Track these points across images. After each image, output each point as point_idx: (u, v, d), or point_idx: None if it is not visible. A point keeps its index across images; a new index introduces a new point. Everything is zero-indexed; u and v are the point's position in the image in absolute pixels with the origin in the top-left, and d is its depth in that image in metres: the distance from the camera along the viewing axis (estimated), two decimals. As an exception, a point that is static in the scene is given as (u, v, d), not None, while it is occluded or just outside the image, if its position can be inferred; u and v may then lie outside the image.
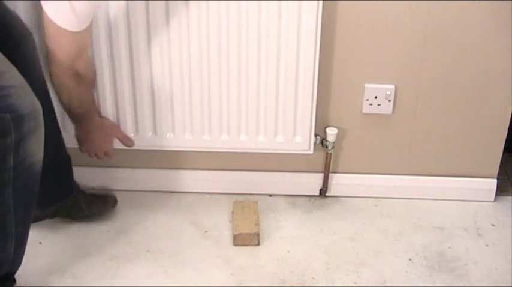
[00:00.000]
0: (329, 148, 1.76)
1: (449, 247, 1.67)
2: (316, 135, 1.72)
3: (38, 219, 1.67)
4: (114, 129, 1.68)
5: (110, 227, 1.72)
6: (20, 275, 1.55)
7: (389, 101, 1.70)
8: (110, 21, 1.55)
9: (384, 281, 1.55)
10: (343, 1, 1.58)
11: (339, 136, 1.75)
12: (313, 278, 1.56)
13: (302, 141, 1.70)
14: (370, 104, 1.71)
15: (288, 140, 1.69)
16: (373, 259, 1.62)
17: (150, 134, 1.70)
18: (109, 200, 1.76)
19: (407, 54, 1.65)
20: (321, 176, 1.83)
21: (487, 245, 1.68)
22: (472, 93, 1.69)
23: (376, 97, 1.70)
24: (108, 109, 1.66)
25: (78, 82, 1.48)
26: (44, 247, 1.65)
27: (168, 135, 1.70)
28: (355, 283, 1.55)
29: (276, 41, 1.56)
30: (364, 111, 1.73)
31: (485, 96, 1.70)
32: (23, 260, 1.49)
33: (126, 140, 1.70)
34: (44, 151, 1.37)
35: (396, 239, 1.69)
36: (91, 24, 1.40)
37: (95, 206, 1.72)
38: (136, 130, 1.70)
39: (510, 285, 1.55)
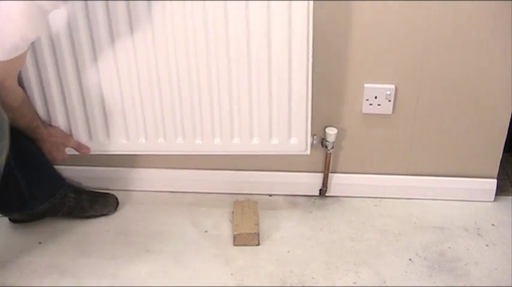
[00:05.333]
0: (329, 148, 1.76)
1: (449, 247, 1.67)
2: (313, 135, 1.68)
3: (37, 217, 1.68)
4: (65, 138, 1.63)
5: (110, 227, 1.72)
6: (20, 275, 1.55)
7: (390, 101, 1.70)
8: (51, 32, 1.50)
9: (384, 281, 1.55)
10: (343, 1, 1.58)
11: (339, 136, 1.75)
12: (313, 278, 1.56)
13: (298, 143, 1.64)
14: (370, 104, 1.71)
15: (283, 141, 1.64)
16: (373, 259, 1.62)
17: (141, 139, 1.66)
18: (111, 201, 1.76)
19: (407, 54, 1.65)
20: (320, 176, 1.83)
21: (487, 245, 1.68)
22: (472, 93, 1.69)
23: (376, 97, 1.70)
24: (60, 120, 1.63)
25: (4, 107, 1.42)
26: (44, 247, 1.65)
27: (159, 140, 1.65)
28: (355, 283, 1.55)
29: (266, 40, 1.51)
30: (364, 111, 1.73)
31: (485, 96, 1.69)
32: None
33: (81, 148, 1.66)
34: (23, 152, 1.40)
35: (396, 239, 1.69)
36: (21, 57, 1.32)
37: (98, 205, 1.73)
38: (143, 135, 1.66)
39: (510, 285, 1.55)
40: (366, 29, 1.62)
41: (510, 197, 1.87)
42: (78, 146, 1.66)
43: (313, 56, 1.55)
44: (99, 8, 1.47)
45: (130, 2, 1.45)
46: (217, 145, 1.65)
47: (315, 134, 1.71)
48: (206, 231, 1.72)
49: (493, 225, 1.76)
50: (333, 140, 1.74)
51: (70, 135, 1.64)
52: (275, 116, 1.60)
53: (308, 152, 1.67)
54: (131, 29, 1.49)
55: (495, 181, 1.83)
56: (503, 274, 1.58)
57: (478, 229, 1.74)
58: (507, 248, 1.66)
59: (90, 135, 1.66)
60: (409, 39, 1.63)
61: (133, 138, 1.65)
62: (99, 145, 1.67)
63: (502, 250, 1.66)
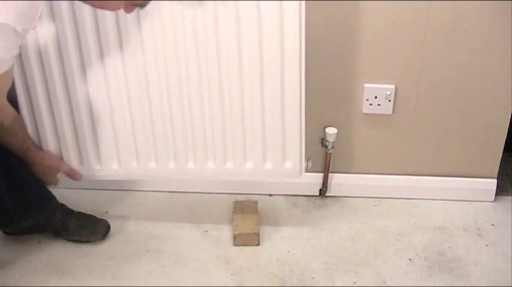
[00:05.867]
0: (329, 148, 1.76)
1: (449, 247, 1.67)
2: (308, 159, 1.62)
3: (23, 232, 1.66)
4: (57, 163, 1.60)
5: (110, 228, 1.72)
6: (20, 275, 1.55)
7: (390, 101, 1.70)
8: (40, 50, 1.48)
9: (384, 281, 1.55)
10: (342, 1, 1.58)
11: (339, 136, 1.75)
12: (313, 278, 1.56)
13: (292, 167, 1.58)
14: (370, 104, 1.72)
15: (278, 166, 1.58)
16: (373, 259, 1.62)
17: (133, 163, 1.62)
18: (100, 228, 1.68)
19: (407, 54, 1.65)
20: (320, 176, 1.83)
21: (487, 245, 1.68)
22: (472, 93, 1.69)
23: (376, 97, 1.70)
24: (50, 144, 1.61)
25: None
26: (44, 247, 1.65)
27: (151, 164, 1.61)
28: (355, 283, 1.55)
29: (259, 68, 1.46)
30: (364, 111, 1.73)
31: (485, 96, 1.69)
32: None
33: (73, 174, 1.62)
34: (9, 168, 1.42)
35: (396, 239, 1.69)
36: (5, 76, 1.30)
37: (85, 231, 1.66)
38: (135, 159, 1.63)
39: (510, 285, 1.55)
40: (366, 29, 1.62)
41: (510, 197, 1.87)
42: (71, 172, 1.62)
43: (313, 56, 1.55)
44: (89, 32, 1.45)
45: (122, 28, 1.44)
46: (210, 169, 1.61)
47: (310, 158, 1.68)
48: (206, 231, 1.72)
49: (493, 225, 1.76)
50: (333, 140, 1.74)
51: (62, 159, 1.62)
52: (269, 139, 1.56)
53: (302, 177, 1.61)
54: (121, 51, 1.47)
55: (495, 181, 1.83)
56: (503, 274, 1.58)
57: (478, 229, 1.74)
58: (507, 248, 1.66)
59: (81, 160, 1.63)
60: (409, 39, 1.63)
61: (125, 163, 1.62)
62: (90, 170, 1.63)
63: (502, 250, 1.66)
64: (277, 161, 1.58)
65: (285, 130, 1.54)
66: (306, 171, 1.62)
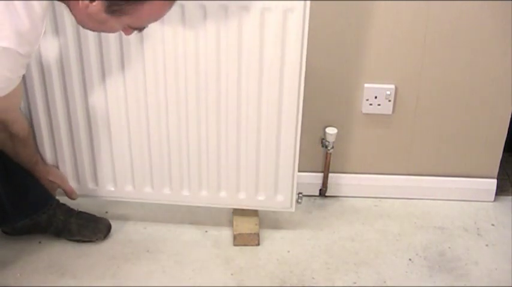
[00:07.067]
0: (329, 148, 1.76)
1: (449, 247, 1.67)
2: (299, 193, 1.63)
3: (22, 232, 1.66)
4: (61, 180, 1.64)
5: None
6: (21, 275, 1.55)
7: (390, 101, 1.70)
8: (42, 65, 1.49)
9: (384, 281, 1.55)
10: (342, 1, 1.58)
11: (339, 136, 1.75)
12: (313, 278, 1.56)
13: (284, 200, 1.62)
14: (370, 104, 1.72)
15: (269, 198, 1.63)
16: (373, 259, 1.62)
17: (129, 187, 1.66)
18: (101, 227, 1.68)
19: (407, 54, 1.65)
20: (320, 176, 1.83)
21: (487, 245, 1.68)
22: (472, 93, 1.69)
23: (376, 97, 1.70)
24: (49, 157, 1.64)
25: (12, 138, 1.46)
26: (44, 247, 1.65)
27: (146, 189, 1.65)
28: (355, 283, 1.55)
29: (256, 103, 1.49)
30: (364, 111, 1.73)
31: (485, 96, 1.70)
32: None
33: (70, 193, 1.66)
34: (7, 167, 1.44)
35: (396, 239, 1.69)
36: (15, 92, 1.30)
37: (86, 231, 1.66)
38: (130, 183, 1.66)
39: (510, 285, 1.55)
40: (366, 29, 1.62)
41: (510, 197, 1.87)
42: (71, 191, 1.66)
43: (313, 56, 1.55)
44: (92, 51, 1.47)
45: (125, 56, 1.46)
46: (204, 197, 1.65)
47: (301, 192, 1.67)
48: (206, 231, 1.72)
49: (493, 225, 1.76)
50: (333, 140, 1.74)
51: (66, 178, 1.65)
52: (262, 172, 1.59)
53: (293, 209, 1.64)
54: (123, 75, 1.49)
55: (495, 181, 1.83)
56: (503, 274, 1.58)
57: (478, 229, 1.74)
58: (507, 248, 1.66)
59: (78, 180, 1.66)
60: (409, 39, 1.63)
61: (121, 186, 1.66)
62: (87, 190, 1.67)
63: (502, 250, 1.66)
64: (269, 194, 1.63)
65: (278, 165, 1.58)
66: (297, 203, 1.65)
